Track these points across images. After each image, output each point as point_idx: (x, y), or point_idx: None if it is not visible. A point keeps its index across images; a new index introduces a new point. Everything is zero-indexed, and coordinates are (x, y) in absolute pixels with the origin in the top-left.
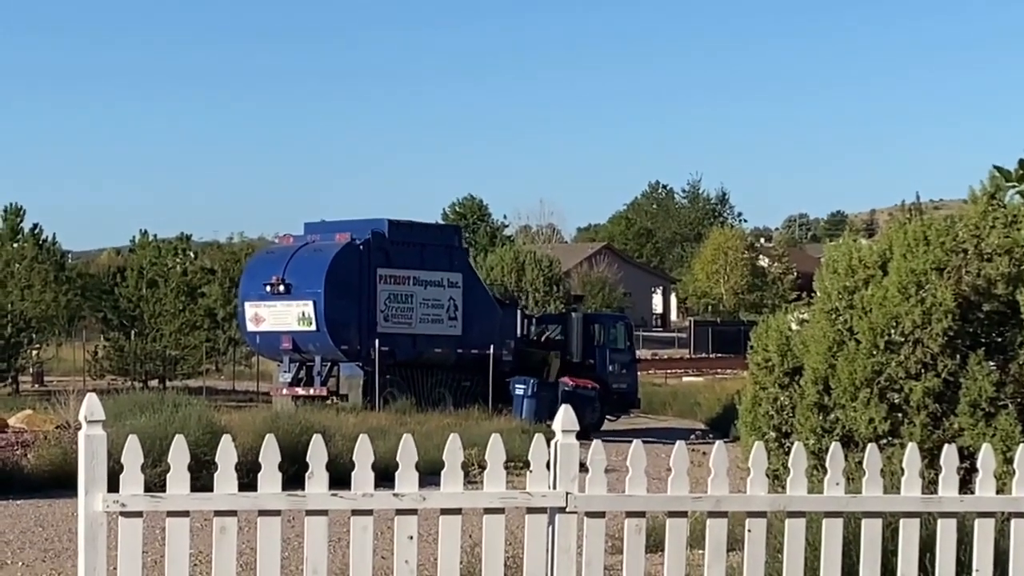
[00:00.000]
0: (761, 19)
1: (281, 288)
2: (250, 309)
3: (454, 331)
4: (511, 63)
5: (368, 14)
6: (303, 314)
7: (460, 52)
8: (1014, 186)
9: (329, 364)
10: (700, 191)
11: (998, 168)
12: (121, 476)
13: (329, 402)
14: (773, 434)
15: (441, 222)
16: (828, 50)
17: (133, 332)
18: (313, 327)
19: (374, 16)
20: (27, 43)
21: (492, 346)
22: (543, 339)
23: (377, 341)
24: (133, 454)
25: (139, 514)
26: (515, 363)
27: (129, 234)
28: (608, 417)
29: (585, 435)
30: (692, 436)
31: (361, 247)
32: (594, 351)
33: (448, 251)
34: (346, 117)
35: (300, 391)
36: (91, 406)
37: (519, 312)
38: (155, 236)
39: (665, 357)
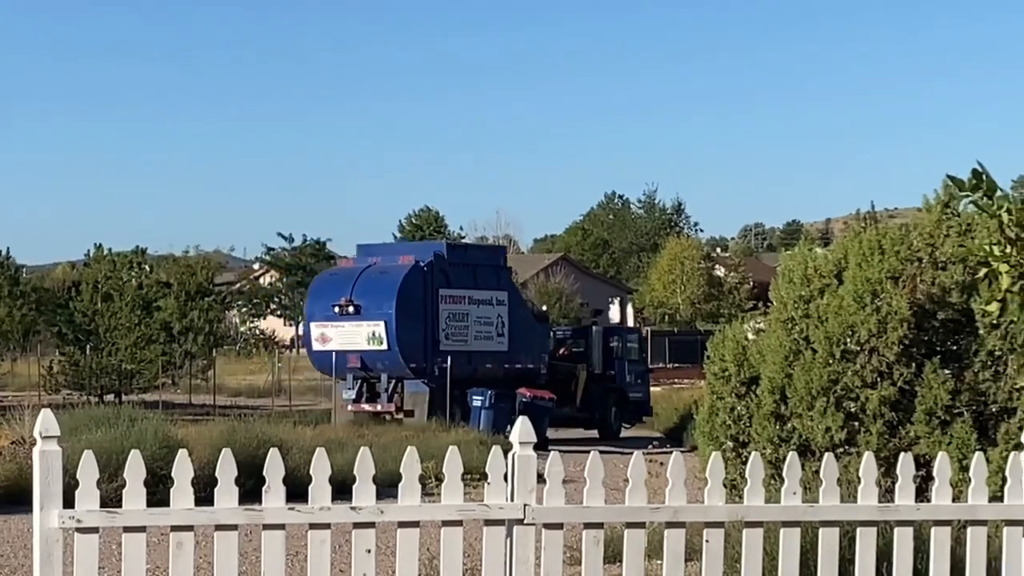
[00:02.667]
0: (715, 32)
1: (350, 309)
2: (316, 329)
3: (502, 347)
4: (466, 77)
5: (323, 31)
6: (373, 334)
7: (415, 67)
8: (967, 195)
9: (394, 381)
10: (656, 201)
11: (951, 178)
12: (77, 492)
13: (396, 418)
14: (730, 444)
15: (491, 243)
16: (782, 62)
17: (88, 346)
18: (384, 346)
19: (328, 33)
20: None
21: (532, 361)
22: (566, 352)
23: (439, 359)
24: (88, 469)
25: (95, 530)
26: (548, 377)
27: (84, 248)
28: (624, 425)
29: (543, 446)
30: (650, 446)
31: (425, 269)
32: (613, 363)
33: (496, 271)
34: (302, 131)
35: (367, 407)
36: (46, 421)
37: (548, 327)
38: (110, 249)
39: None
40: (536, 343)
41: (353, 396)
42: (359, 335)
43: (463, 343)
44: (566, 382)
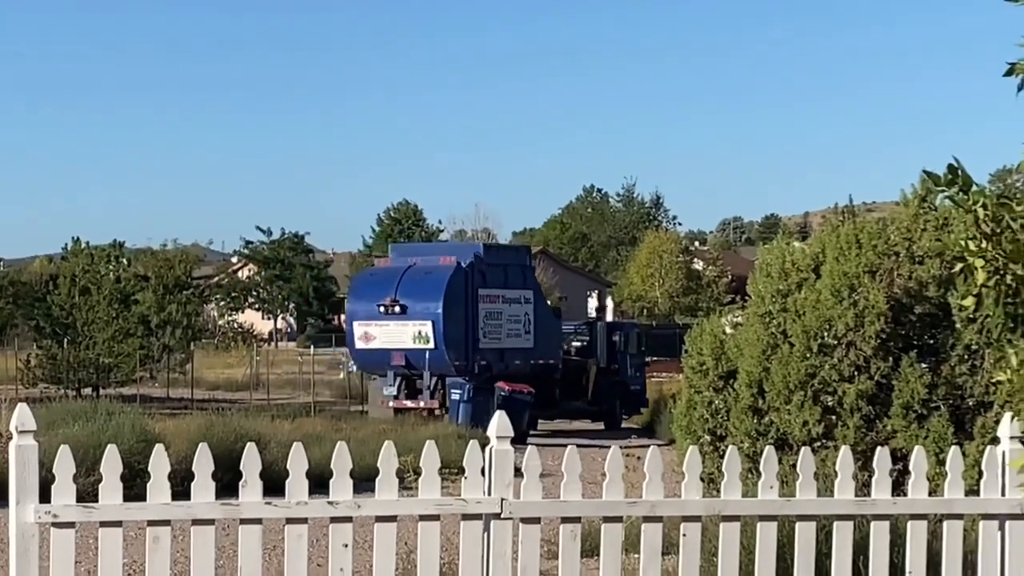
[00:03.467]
0: (693, 26)
1: (396, 308)
2: (359, 328)
3: (528, 344)
4: (446, 70)
5: (302, 26)
6: (420, 332)
7: (394, 62)
8: (943, 190)
9: (436, 379)
10: (635, 195)
11: (928, 173)
12: (53, 486)
13: (437, 414)
14: (708, 437)
15: (516, 244)
16: (760, 56)
17: (66, 340)
18: (431, 344)
19: (308, 28)
20: None
21: (552, 356)
22: (573, 347)
23: (479, 356)
24: (65, 464)
25: (71, 525)
26: (562, 372)
27: (62, 241)
28: (624, 415)
29: (521, 440)
30: (632, 437)
31: (467, 269)
32: (617, 356)
33: (523, 270)
34: (280, 124)
35: (408, 403)
36: (22, 416)
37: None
38: (88, 243)
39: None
40: (555, 339)
41: (394, 392)
42: (405, 334)
43: (497, 341)
44: (577, 376)
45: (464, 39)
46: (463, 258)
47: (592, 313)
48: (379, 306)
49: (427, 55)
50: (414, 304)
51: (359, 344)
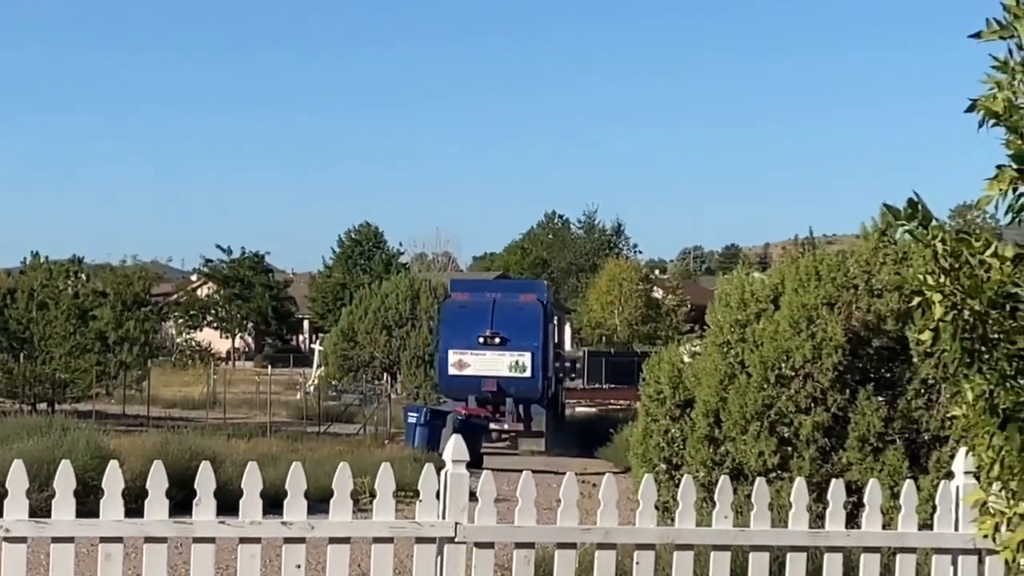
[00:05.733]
0: (654, 52)
1: (496, 340)
2: (454, 356)
3: (557, 372)
4: (408, 90)
5: (261, 36)
6: (517, 363)
7: (354, 80)
8: (903, 224)
9: (519, 404)
10: (596, 222)
11: (888, 206)
12: (5, 501)
13: (521, 436)
14: (664, 466)
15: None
16: (724, 86)
17: (22, 354)
18: (527, 373)
19: (269, 39)
20: None
21: (560, 381)
22: None
23: (547, 383)
24: (18, 479)
25: (23, 540)
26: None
27: (20, 255)
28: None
29: (477, 464)
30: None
31: (545, 306)
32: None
33: (553, 306)
34: (241, 140)
35: (493, 426)
36: None
37: None
38: (47, 258)
39: (573, 386)
40: (560, 364)
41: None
42: (501, 363)
43: (550, 369)
44: (555, 398)
45: (428, 61)
46: (540, 295)
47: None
48: (479, 337)
49: (390, 75)
50: (514, 337)
51: (452, 371)
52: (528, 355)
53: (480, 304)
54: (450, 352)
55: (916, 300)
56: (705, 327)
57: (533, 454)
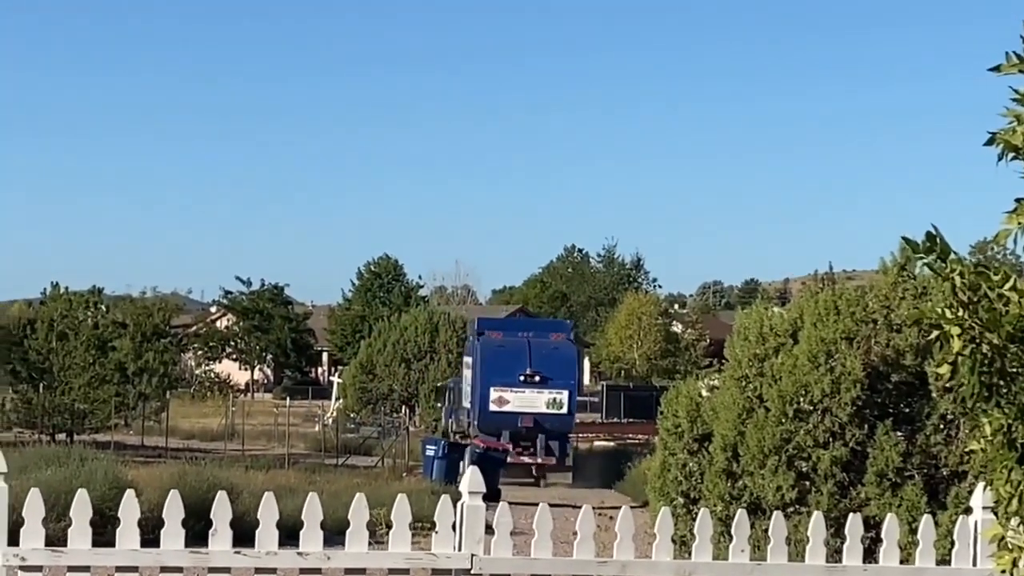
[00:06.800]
0: (673, 85)
1: (536, 379)
2: (496, 393)
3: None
4: (427, 122)
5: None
6: (554, 400)
7: (376, 107)
8: (922, 258)
9: (550, 439)
10: (615, 256)
11: (906, 240)
12: (22, 530)
13: (552, 468)
14: (681, 500)
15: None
16: (745, 119)
17: (42, 385)
18: (564, 410)
19: (292, 67)
20: None
21: None
22: None
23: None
24: (35, 507)
25: (39, 568)
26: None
27: (40, 286)
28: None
29: (494, 497)
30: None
31: (574, 345)
32: None
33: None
34: (262, 171)
35: (526, 459)
36: None
37: None
38: (67, 288)
39: (577, 421)
40: None
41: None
42: (539, 400)
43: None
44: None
45: (448, 90)
46: (568, 334)
47: None
48: (520, 376)
49: (409, 107)
50: (553, 375)
51: (492, 407)
52: (565, 393)
53: (516, 343)
54: (492, 389)
55: (934, 334)
56: (724, 361)
57: (566, 486)
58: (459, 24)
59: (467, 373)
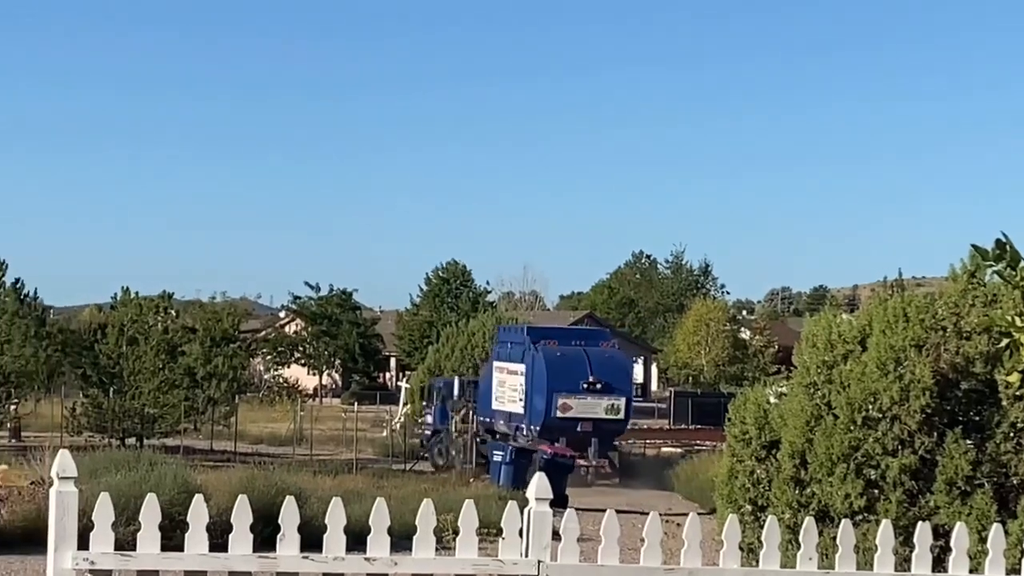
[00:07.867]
0: (747, 93)
1: (598, 387)
2: (560, 399)
3: None
4: (498, 129)
5: (348, 72)
6: (612, 406)
7: (446, 116)
8: (992, 265)
9: (604, 443)
10: (683, 262)
11: (976, 247)
12: (91, 534)
13: (606, 471)
14: (749, 507)
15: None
16: (814, 127)
17: (112, 389)
18: (621, 416)
19: (354, 75)
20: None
21: None
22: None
23: None
24: (104, 511)
25: (108, 572)
26: None
27: (111, 291)
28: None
29: (561, 503)
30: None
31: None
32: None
33: None
34: (328, 179)
35: (582, 462)
36: (63, 463)
37: None
38: (137, 293)
39: (644, 427)
40: None
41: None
42: (598, 406)
43: None
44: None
45: (517, 101)
46: (612, 342)
47: (637, 378)
48: (583, 383)
49: (479, 114)
50: (612, 382)
51: (557, 413)
52: (623, 399)
53: (574, 352)
54: (556, 396)
55: (1004, 342)
56: (792, 368)
57: (611, 485)
58: (527, 36)
59: (506, 378)
